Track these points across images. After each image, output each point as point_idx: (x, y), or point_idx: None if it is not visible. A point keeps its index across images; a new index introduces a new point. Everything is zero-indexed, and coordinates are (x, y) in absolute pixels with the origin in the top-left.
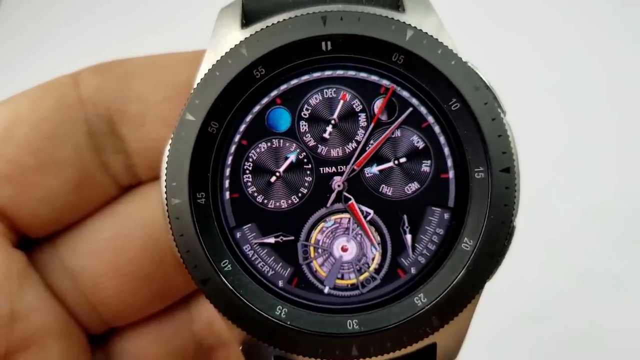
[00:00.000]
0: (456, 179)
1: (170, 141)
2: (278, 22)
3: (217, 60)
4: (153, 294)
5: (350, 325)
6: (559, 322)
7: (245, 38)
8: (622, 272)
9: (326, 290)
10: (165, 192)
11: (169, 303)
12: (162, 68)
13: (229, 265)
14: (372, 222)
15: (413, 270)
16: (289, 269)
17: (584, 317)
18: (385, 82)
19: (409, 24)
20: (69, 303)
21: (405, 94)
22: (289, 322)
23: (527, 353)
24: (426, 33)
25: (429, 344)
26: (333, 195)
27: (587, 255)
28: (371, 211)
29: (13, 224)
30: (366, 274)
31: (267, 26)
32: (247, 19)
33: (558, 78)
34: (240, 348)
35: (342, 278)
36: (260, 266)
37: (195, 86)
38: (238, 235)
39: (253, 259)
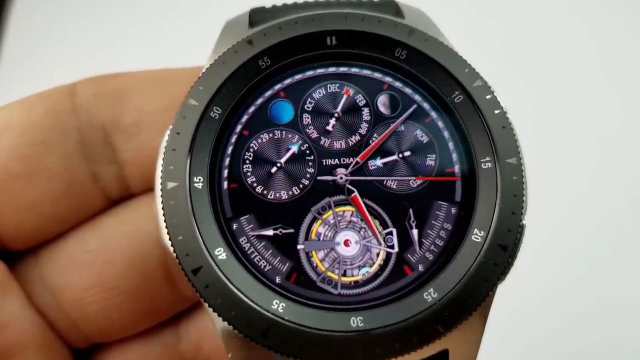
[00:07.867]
0: (462, 173)
1: (170, 127)
2: (284, 20)
3: (224, 52)
4: (139, 311)
5: (354, 323)
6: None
7: (252, 33)
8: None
9: (298, 246)
10: (161, 178)
11: (155, 322)
12: (160, 81)
13: (224, 254)
14: (376, 216)
15: (420, 267)
16: (288, 263)
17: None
18: (388, 78)
19: (410, 25)
20: (50, 317)
21: (408, 90)
22: (286, 318)
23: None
24: (427, 33)
25: (441, 350)
26: (332, 183)
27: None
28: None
29: None
30: (371, 270)
31: (273, 23)
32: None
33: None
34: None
35: (344, 274)
36: (257, 260)
37: (200, 75)
38: (234, 226)
39: (249, 252)
